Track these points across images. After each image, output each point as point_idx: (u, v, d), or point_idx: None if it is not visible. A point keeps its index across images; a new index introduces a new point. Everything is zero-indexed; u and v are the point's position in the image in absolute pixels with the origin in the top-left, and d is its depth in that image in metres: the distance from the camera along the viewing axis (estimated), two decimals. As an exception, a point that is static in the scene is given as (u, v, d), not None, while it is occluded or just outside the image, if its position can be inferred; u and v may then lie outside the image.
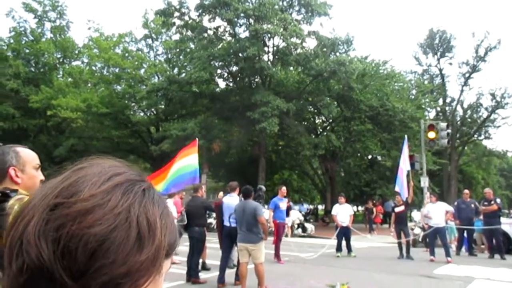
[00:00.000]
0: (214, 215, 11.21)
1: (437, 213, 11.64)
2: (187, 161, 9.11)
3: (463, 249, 13.37)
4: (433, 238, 11.69)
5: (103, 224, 0.51)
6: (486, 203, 12.99)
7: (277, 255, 10.75)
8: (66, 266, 0.49)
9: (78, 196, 0.54)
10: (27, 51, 31.40)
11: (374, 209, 23.15)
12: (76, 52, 33.36)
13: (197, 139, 10.15)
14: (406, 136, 14.78)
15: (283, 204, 11.34)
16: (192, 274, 8.10)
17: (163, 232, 0.57)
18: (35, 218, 0.52)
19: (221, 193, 11.89)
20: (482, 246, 13.65)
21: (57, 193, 0.55)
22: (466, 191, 14.02)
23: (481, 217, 13.12)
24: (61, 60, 33.33)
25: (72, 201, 0.53)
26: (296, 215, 19.00)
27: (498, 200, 12.98)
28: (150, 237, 0.55)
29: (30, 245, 0.50)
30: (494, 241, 12.52)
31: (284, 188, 11.69)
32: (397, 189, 12.66)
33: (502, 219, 14.14)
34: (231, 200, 8.24)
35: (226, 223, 8.21)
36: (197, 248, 8.32)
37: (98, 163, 0.62)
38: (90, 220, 0.51)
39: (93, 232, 0.50)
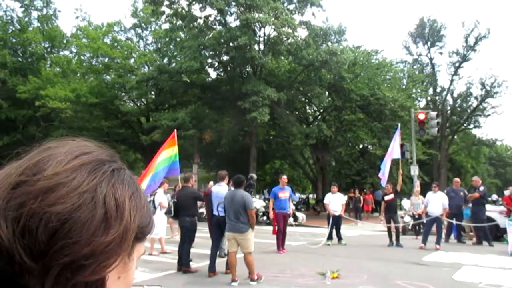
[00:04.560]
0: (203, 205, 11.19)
1: (437, 202, 11.71)
2: (167, 154, 9.13)
3: (452, 236, 13.55)
4: (430, 226, 11.78)
5: (66, 202, 0.49)
6: (473, 191, 13.17)
7: (278, 245, 10.67)
8: (26, 246, 0.47)
9: (42, 174, 0.51)
10: (14, 40, 30.86)
11: (361, 198, 23.34)
12: (64, 41, 32.85)
13: (175, 130, 10.10)
14: (399, 124, 14.85)
15: (283, 194, 11.02)
16: (183, 264, 8.11)
17: (133, 214, 0.55)
18: None
19: (211, 182, 11.84)
20: (471, 234, 13.83)
21: (21, 171, 0.52)
22: (457, 179, 14.12)
23: (470, 205, 13.30)
24: (49, 49, 32.81)
25: (34, 179, 0.51)
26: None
27: (482, 188, 13.13)
28: (118, 218, 0.53)
29: None
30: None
31: (284, 177, 11.36)
32: (380, 175, 12.77)
33: (491, 207, 14.33)
34: (220, 189, 8.23)
35: (215, 212, 8.21)
36: (188, 238, 8.33)
37: (66, 143, 0.59)
38: (52, 198, 0.49)
39: (55, 211, 0.48)
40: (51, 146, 0.58)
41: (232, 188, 7.78)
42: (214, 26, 24.38)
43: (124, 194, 0.55)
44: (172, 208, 10.66)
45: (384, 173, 12.55)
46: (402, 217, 15.00)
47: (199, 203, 10.30)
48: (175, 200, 9.12)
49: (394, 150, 13.17)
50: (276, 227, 10.90)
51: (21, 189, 0.50)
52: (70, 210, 0.49)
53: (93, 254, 0.49)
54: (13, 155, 0.58)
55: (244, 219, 7.09)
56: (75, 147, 0.57)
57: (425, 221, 12.28)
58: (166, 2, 23.77)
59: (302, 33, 24.30)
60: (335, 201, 12.71)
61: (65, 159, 0.54)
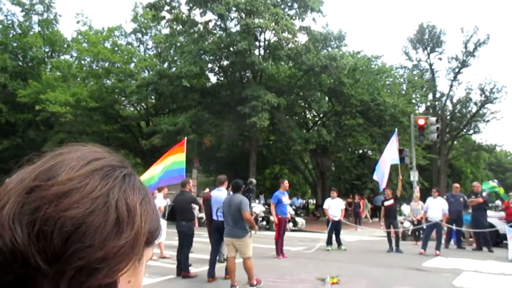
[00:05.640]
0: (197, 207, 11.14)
1: (437, 207, 11.70)
2: (174, 159, 9.16)
3: (452, 242, 13.53)
4: (429, 232, 11.76)
5: (80, 207, 0.50)
6: (473, 196, 13.15)
7: (278, 251, 10.65)
8: (40, 250, 0.48)
9: (56, 180, 0.53)
10: (15, 44, 30.93)
11: (361, 203, 23.31)
12: (65, 46, 32.93)
13: (185, 138, 10.14)
14: (396, 130, 14.84)
15: (286, 198, 11.19)
16: (182, 268, 8.10)
17: (143, 218, 0.56)
18: (10, 201, 0.51)
19: (207, 189, 11.79)
20: (471, 239, 13.81)
21: (34, 176, 0.54)
22: (456, 184, 14.11)
23: (470, 210, 13.28)
24: (49, 54, 32.91)
25: (49, 184, 0.52)
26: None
27: (484, 194, 13.14)
28: (129, 222, 0.54)
29: (4, 228, 0.49)
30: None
31: (286, 182, 11.49)
32: (375, 177, 12.70)
33: (490, 213, 14.32)
34: (219, 194, 8.22)
35: (215, 217, 8.20)
36: (186, 242, 8.32)
37: (78, 149, 0.60)
38: (66, 203, 0.50)
39: (69, 215, 0.49)
40: (62, 151, 0.59)
41: (232, 193, 7.78)
42: (214, 31, 24.47)
43: (135, 199, 0.57)
44: (167, 212, 10.67)
45: (382, 177, 12.49)
46: (401, 223, 14.99)
47: (197, 207, 10.32)
48: (172, 204, 9.13)
49: (390, 155, 13.10)
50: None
51: (35, 194, 0.51)
52: (84, 215, 0.50)
53: (106, 258, 0.50)
54: (23, 161, 0.59)
55: (241, 224, 7.05)
56: (86, 153, 0.59)
57: (424, 227, 12.27)
58: (167, 7, 23.89)
59: (302, 38, 24.42)
60: (335, 206, 12.70)
61: (78, 165, 0.55)
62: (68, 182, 0.52)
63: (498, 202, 19.97)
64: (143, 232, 0.56)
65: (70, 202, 0.50)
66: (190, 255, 8.51)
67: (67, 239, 0.49)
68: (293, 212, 19.88)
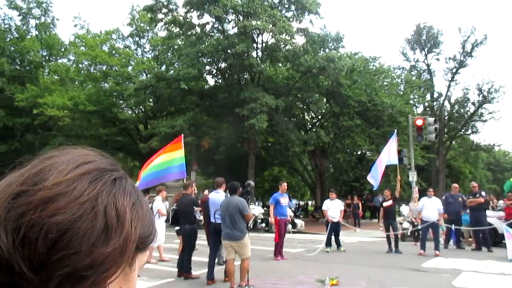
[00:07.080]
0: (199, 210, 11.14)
1: (432, 207, 11.70)
2: (172, 155, 9.15)
3: (451, 242, 13.51)
4: (426, 232, 11.75)
5: (67, 213, 0.49)
6: (471, 196, 13.12)
7: (277, 252, 10.61)
8: (25, 257, 0.47)
9: (43, 184, 0.51)
10: (12, 48, 30.93)
11: (360, 204, 23.31)
12: (62, 49, 32.95)
13: (182, 135, 10.14)
14: (395, 131, 14.81)
15: (284, 200, 11.21)
16: (185, 270, 8.10)
17: (134, 224, 0.55)
18: None
19: (206, 191, 11.80)
20: (470, 239, 13.79)
21: (22, 181, 0.52)
22: (455, 185, 14.09)
23: (468, 210, 13.26)
24: (47, 57, 32.90)
25: (35, 189, 0.50)
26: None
27: (483, 193, 13.13)
28: (118, 228, 0.52)
29: None
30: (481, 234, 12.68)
31: (285, 184, 11.55)
32: (369, 178, 12.64)
33: (489, 212, 14.31)
34: (217, 196, 8.21)
35: (212, 220, 8.19)
36: (188, 245, 8.31)
37: (69, 152, 0.59)
38: (52, 208, 0.49)
39: (55, 221, 0.48)
40: (53, 155, 0.57)
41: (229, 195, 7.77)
42: (212, 34, 24.48)
43: (125, 204, 0.55)
44: (170, 216, 10.62)
45: (376, 176, 12.43)
46: (401, 223, 14.97)
47: (199, 209, 10.31)
48: (175, 208, 9.10)
49: (390, 156, 13.06)
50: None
51: (21, 199, 0.50)
52: (70, 221, 0.49)
53: (93, 265, 0.49)
54: (15, 164, 0.57)
55: (239, 226, 7.05)
56: (77, 156, 0.57)
57: (420, 227, 12.24)
58: (164, 10, 23.89)
59: (300, 40, 24.43)
60: (334, 208, 12.69)
61: (66, 169, 0.54)
62: (55, 187, 0.51)
63: (501, 202, 19.98)
64: (133, 238, 0.54)
65: (56, 207, 0.49)
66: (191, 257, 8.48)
67: (52, 245, 0.47)
68: (292, 214, 19.84)
